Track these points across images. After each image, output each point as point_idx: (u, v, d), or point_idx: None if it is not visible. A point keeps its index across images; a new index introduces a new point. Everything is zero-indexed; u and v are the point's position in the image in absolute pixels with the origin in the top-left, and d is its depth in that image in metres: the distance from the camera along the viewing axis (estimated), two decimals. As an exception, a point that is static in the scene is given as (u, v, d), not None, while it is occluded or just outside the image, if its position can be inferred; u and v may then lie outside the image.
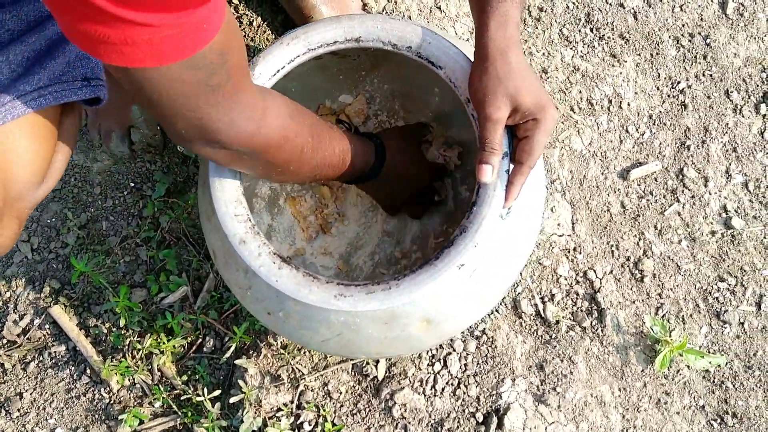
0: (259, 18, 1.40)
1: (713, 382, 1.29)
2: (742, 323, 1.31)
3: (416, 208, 1.22)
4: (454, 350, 1.27)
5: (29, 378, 1.28)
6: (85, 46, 0.63)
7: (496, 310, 1.30)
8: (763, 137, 1.40)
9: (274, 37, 1.39)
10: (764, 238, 1.35)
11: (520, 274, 1.32)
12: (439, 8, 1.43)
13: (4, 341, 1.29)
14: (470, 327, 1.29)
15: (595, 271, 1.33)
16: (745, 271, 1.34)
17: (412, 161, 1.15)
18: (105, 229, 1.33)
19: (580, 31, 1.44)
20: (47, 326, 1.30)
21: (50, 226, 1.33)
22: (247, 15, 1.39)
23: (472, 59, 0.90)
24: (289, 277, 0.87)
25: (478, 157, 0.86)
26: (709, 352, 1.30)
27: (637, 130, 1.40)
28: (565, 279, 1.32)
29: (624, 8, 1.45)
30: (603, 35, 1.43)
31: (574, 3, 1.45)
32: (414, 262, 1.20)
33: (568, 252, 1.34)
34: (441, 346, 1.27)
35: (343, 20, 0.97)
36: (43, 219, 1.33)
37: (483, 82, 0.85)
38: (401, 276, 0.86)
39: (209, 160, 0.87)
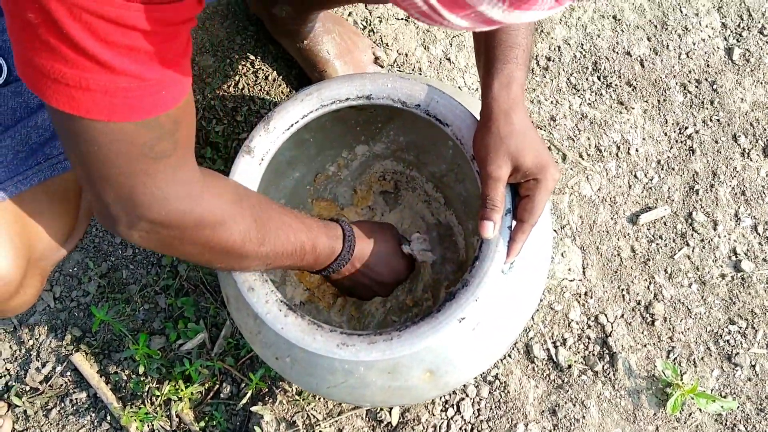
0: (275, 72, 1.44)
1: (725, 424, 1.29)
2: (754, 366, 1.32)
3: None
4: (467, 395, 1.28)
5: (51, 424, 1.31)
6: (36, 82, 0.61)
7: (509, 356, 1.32)
8: (771, 180, 1.42)
9: (288, 90, 1.44)
10: (775, 281, 1.36)
11: (532, 318, 1.34)
12: (449, 60, 1.47)
13: (27, 388, 1.32)
14: (482, 372, 1.31)
15: (606, 315, 1.34)
16: (755, 313, 1.35)
17: (387, 251, 1.07)
18: (125, 277, 1.37)
19: (587, 79, 1.47)
20: (69, 373, 1.33)
21: (72, 276, 1.37)
22: (263, 69, 1.44)
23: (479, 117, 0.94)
24: (294, 325, 0.89)
25: (480, 213, 0.89)
26: (720, 395, 1.30)
27: (645, 175, 1.42)
28: (577, 323, 1.34)
29: (631, 56, 1.48)
30: (610, 83, 1.46)
31: (581, 52, 1.48)
32: (425, 310, 1.23)
33: (580, 296, 1.35)
34: (454, 392, 1.29)
35: (355, 78, 1.01)
36: (65, 268, 1.37)
37: (486, 140, 0.88)
38: (403, 327, 0.88)
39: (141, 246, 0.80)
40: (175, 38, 0.62)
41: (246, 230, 0.83)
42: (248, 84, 1.44)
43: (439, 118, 0.97)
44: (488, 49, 0.90)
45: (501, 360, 1.31)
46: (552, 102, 1.45)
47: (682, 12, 1.50)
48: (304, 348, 0.88)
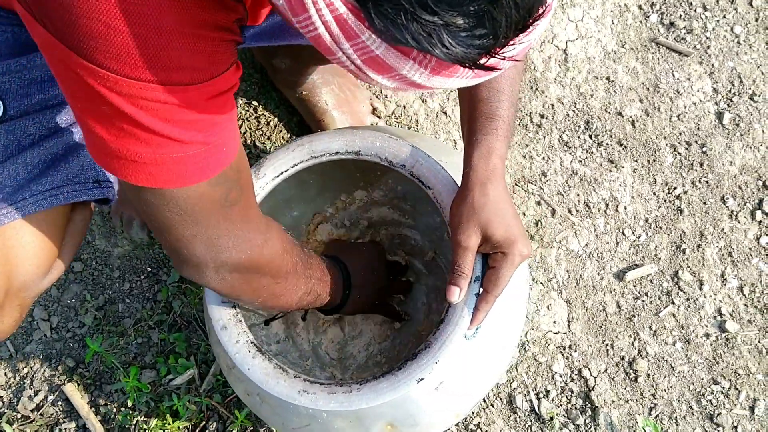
0: (276, 119, 1.50)
1: (705, 485, 1.30)
2: (736, 427, 1.33)
3: (389, 313, 1.27)
4: (448, 443, 1.30)
5: (39, 453, 1.34)
6: (114, 166, 0.69)
7: (491, 405, 1.33)
8: (758, 243, 1.44)
9: (289, 136, 1.49)
10: (759, 342, 1.38)
11: (516, 369, 1.36)
12: (445, 113, 1.52)
13: (18, 416, 1.36)
14: (464, 420, 1.32)
15: (589, 369, 1.36)
16: (739, 374, 1.36)
17: (375, 274, 1.19)
18: (121, 311, 1.41)
19: (579, 137, 1.51)
20: (60, 403, 1.36)
21: (70, 307, 1.41)
22: (265, 116, 1.50)
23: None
24: (260, 368, 0.93)
25: (448, 278, 0.92)
26: (701, 455, 1.31)
27: (633, 233, 1.45)
28: (560, 376, 1.36)
29: (622, 116, 1.52)
30: (601, 142, 1.50)
31: (574, 111, 1.53)
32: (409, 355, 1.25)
33: (564, 349, 1.37)
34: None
35: (346, 133, 1.06)
36: (63, 299, 1.41)
37: (460, 209, 0.92)
38: (363, 381, 0.91)
39: (216, 292, 0.91)
40: (225, 104, 0.70)
41: (299, 254, 0.95)
42: (250, 129, 1.49)
43: (422, 180, 1.01)
44: (470, 119, 0.94)
45: (483, 409, 1.33)
46: (544, 158, 1.49)
47: (674, 76, 1.55)
48: (266, 391, 0.92)
